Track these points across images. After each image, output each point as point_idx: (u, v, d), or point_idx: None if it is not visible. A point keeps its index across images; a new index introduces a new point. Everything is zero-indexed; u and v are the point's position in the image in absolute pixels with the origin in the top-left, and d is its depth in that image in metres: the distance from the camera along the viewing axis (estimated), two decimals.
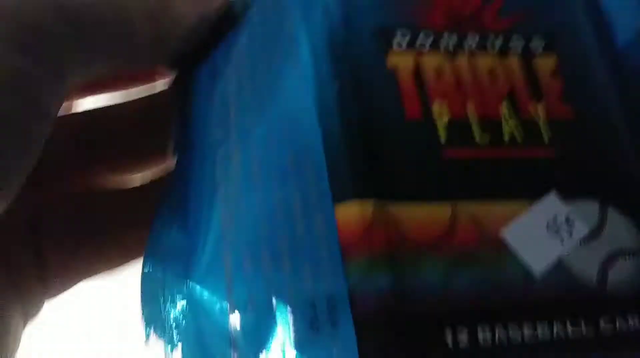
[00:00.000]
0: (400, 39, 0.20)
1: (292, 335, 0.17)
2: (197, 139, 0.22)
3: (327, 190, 0.18)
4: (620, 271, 0.18)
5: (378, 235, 0.17)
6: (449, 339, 0.17)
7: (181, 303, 0.20)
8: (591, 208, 0.19)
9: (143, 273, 0.21)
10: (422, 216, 0.18)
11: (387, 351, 0.16)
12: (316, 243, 0.17)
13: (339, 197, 0.17)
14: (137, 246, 0.22)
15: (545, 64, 0.21)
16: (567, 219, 0.19)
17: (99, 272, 0.23)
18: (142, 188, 0.25)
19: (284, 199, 0.18)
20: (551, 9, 0.22)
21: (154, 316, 0.21)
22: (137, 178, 0.25)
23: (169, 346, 0.20)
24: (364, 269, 0.17)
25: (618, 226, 0.19)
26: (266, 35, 0.21)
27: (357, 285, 0.16)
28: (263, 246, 0.18)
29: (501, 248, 0.18)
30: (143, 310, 0.21)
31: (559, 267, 0.18)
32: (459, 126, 0.19)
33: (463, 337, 0.17)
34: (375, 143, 0.19)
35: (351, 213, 0.17)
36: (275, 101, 0.20)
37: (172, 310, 0.20)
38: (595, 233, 0.19)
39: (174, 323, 0.20)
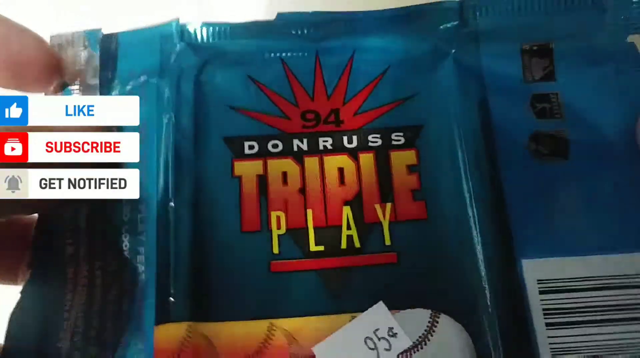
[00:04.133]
0: (250, 147, 0.21)
1: None
2: None
3: (153, 312, 0.20)
4: None
5: (187, 354, 0.19)
6: None
7: None
8: (422, 316, 0.20)
9: None
10: (236, 334, 0.19)
11: None
12: None
13: (159, 319, 0.19)
14: None
15: (403, 157, 0.21)
16: (390, 332, 0.19)
17: None
18: None
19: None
20: (415, 105, 0.22)
21: None
22: None
23: None
24: None
25: (447, 335, 0.19)
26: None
27: None
28: None
29: None
30: None
31: None
32: (294, 237, 0.20)
33: None
34: (204, 260, 0.20)
35: (165, 334, 0.19)
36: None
37: None
38: (420, 343, 0.19)
39: None
